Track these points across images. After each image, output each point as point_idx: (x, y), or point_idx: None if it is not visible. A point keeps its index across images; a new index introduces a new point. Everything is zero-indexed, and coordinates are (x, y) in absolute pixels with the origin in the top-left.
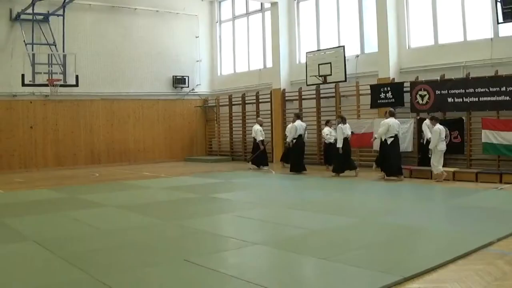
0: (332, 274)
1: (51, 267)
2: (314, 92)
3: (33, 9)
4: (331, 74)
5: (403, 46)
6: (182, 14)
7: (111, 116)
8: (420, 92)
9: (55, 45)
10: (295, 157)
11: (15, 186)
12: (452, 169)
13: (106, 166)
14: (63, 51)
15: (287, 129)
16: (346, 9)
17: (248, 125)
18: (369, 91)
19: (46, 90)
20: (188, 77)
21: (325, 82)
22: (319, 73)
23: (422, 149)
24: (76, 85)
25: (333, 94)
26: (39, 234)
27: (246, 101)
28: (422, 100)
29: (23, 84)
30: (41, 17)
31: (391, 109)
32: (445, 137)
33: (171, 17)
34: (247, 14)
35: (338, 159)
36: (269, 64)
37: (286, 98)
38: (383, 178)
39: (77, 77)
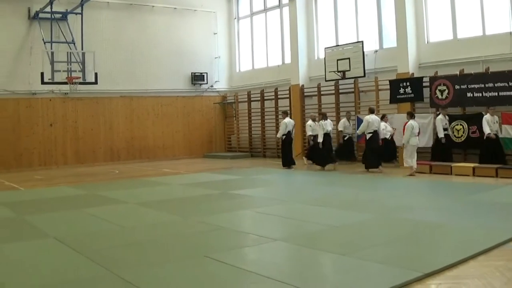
0: (352, 270)
1: (71, 263)
2: (333, 87)
3: (51, 8)
4: (349, 70)
5: (422, 40)
6: (200, 11)
7: (130, 113)
8: (439, 87)
9: (74, 43)
10: (286, 152)
11: (35, 183)
12: (471, 165)
13: (126, 163)
14: (82, 49)
15: (281, 125)
16: (364, 4)
17: (267, 121)
18: (388, 86)
19: (66, 87)
20: (207, 73)
21: (344, 77)
22: (337, 69)
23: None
24: (95, 82)
25: (352, 90)
26: (59, 231)
27: (265, 97)
28: (442, 95)
29: (43, 82)
30: (59, 15)
31: (371, 106)
32: (418, 133)
33: (189, 14)
34: (265, 10)
35: (322, 154)
36: (288, 60)
37: (305, 94)
38: (366, 171)
39: (96, 74)
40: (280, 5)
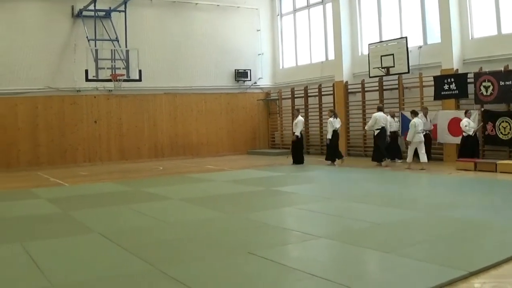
0: (396, 268)
1: (115, 259)
2: (377, 84)
3: (94, 6)
4: (394, 66)
5: (466, 36)
6: (243, 8)
7: (174, 110)
8: (484, 83)
9: (118, 41)
10: (300, 150)
11: (80, 179)
12: None
13: (170, 159)
14: (126, 47)
15: (297, 122)
16: None
17: (310, 118)
18: (432, 83)
19: (110, 85)
20: (250, 70)
21: (388, 74)
22: (381, 65)
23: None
24: (139, 79)
25: (396, 86)
26: (104, 226)
27: (309, 94)
28: (486, 92)
29: (87, 79)
30: (103, 13)
31: (380, 105)
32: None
33: (232, 11)
34: (308, 6)
35: (330, 149)
36: (331, 56)
37: (349, 91)
38: (376, 165)
39: (140, 72)
40: (323, 1)
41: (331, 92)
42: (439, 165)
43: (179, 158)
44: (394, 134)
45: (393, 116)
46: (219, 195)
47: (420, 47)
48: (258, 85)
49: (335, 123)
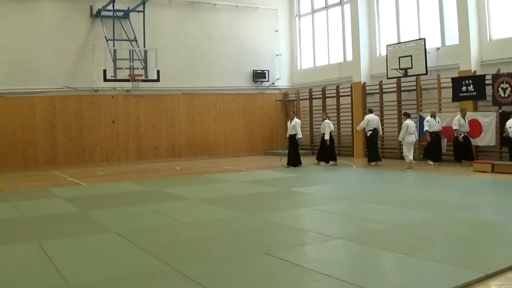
0: (413, 270)
1: (132, 258)
2: (394, 85)
3: (113, 6)
4: (411, 67)
5: (484, 38)
6: (261, 8)
7: (192, 110)
8: (502, 85)
9: (136, 41)
10: (296, 152)
11: (98, 179)
12: None
13: (187, 160)
14: (144, 47)
15: (295, 124)
16: (426, 0)
17: None
18: (450, 84)
19: (128, 85)
20: (268, 71)
21: (405, 75)
22: (399, 66)
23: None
24: (157, 80)
25: (414, 87)
26: (121, 226)
27: (327, 95)
28: (504, 93)
29: (105, 79)
30: (121, 13)
31: (370, 107)
32: (414, 131)
33: (251, 12)
34: (326, 7)
35: (327, 150)
36: (349, 57)
37: (367, 92)
38: (369, 165)
39: (158, 72)
40: (341, 2)
41: (349, 93)
42: (457, 167)
43: (197, 159)
44: (435, 134)
45: (433, 116)
46: (236, 196)
47: (438, 48)
48: (276, 86)
49: (331, 125)
